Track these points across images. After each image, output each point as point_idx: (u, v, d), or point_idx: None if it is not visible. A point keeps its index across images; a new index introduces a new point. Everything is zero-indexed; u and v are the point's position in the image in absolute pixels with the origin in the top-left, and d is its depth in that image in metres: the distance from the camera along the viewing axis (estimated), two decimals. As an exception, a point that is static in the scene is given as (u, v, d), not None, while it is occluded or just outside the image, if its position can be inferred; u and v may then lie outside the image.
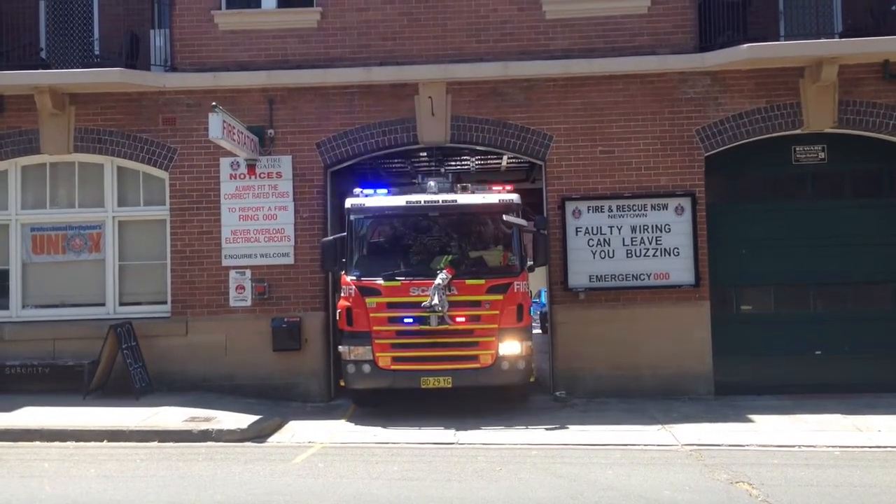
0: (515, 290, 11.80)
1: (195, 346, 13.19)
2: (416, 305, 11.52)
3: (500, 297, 11.70)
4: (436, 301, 11.36)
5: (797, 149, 13.54)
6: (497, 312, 11.68)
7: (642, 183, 13.24)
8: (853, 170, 13.74)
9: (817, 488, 8.24)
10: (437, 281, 11.43)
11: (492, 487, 8.18)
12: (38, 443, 10.44)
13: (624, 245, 13.18)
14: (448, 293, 11.52)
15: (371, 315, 11.76)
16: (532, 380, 12.19)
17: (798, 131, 13.24)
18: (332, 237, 12.59)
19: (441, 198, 12.25)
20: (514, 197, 12.27)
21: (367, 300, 11.78)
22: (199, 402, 12.00)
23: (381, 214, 12.33)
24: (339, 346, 12.06)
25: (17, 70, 13.22)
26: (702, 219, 13.15)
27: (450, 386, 11.58)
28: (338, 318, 12.21)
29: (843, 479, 8.59)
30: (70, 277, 13.76)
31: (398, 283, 11.74)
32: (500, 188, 12.65)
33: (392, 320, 11.73)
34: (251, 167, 13.37)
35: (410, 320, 11.65)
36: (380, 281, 11.80)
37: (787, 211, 13.48)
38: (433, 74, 13.28)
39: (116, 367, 12.74)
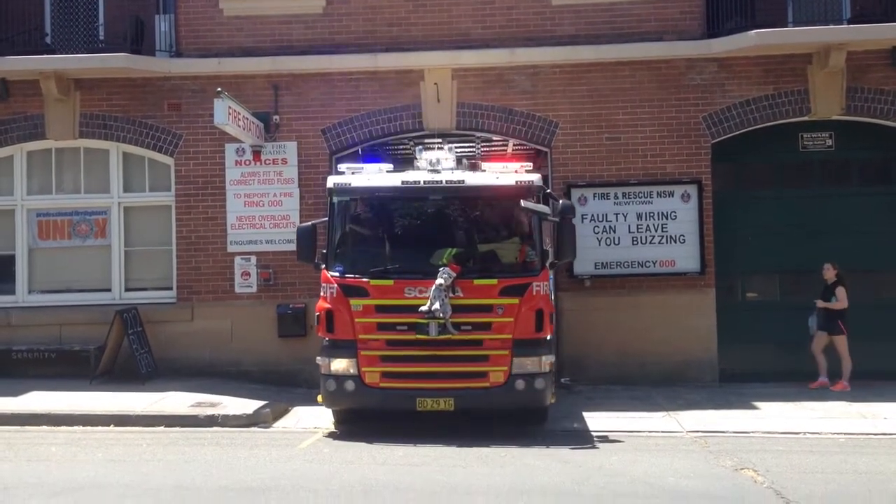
0: (535, 293, 9.79)
1: (201, 331, 13.22)
2: (413, 310, 9.56)
3: (515, 300, 9.70)
4: (436, 305, 9.44)
5: (804, 136, 13.47)
6: (511, 320, 9.68)
7: (648, 170, 13.20)
8: (860, 157, 13.71)
9: (822, 475, 8.24)
10: (439, 280, 9.50)
11: (497, 473, 8.19)
12: (45, 427, 10.49)
13: (630, 232, 13.16)
14: (452, 295, 9.59)
15: (356, 321, 9.75)
16: (552, 401, 10.11)
17: (805, 118, 13.18)
18: (310, 223, 10.79)
19: (445, 178, 10.19)
20: (535, 178, 10.31)
21: (352, 302, 9.77)
22: (205, 388, 12.03)
23: (370, 197, 10.36)
24: (317, 358, 10.02)
25: (23, 55, 13.19)
26: (708, 206, 13.12)
27: (452, 409, 9.60)
28: (315, 322, 10.30)
29: (848, 466, 8.59)
30: (76, 263, 13.78)
31: (390, 282, 9.76)
32: (517, 166, 10.72)
33: (382, 327, 9.76)
34: (256, 153, 13.35)
35: (405, 328, 9.66)
36: (367, 279, 9.81)
37: (793, 198, 13.44)
38: (439, 61, 13.23)
39: (122, 353, 12.77)
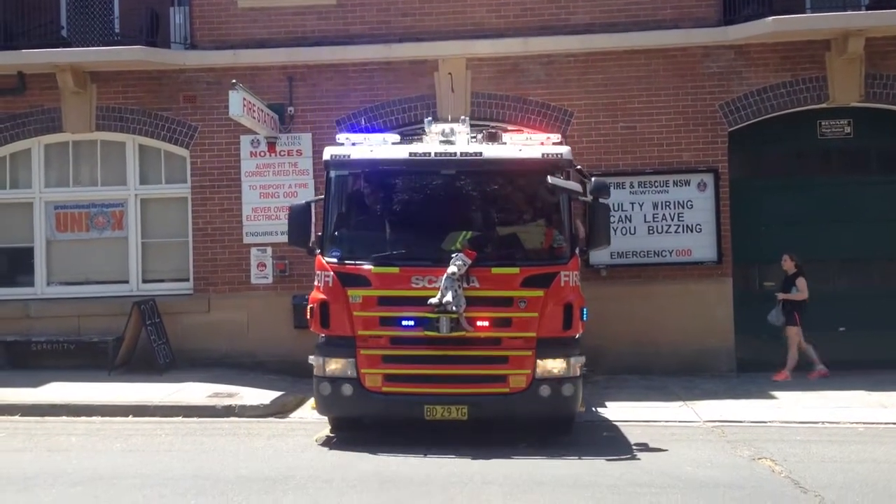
0: (563, 284, 8.62)
1: (217, 322, 13.28)
2: (421, 302, 8.42)
3: (540, 292, 8.53)
4: (449, 297, 8.27)
5: (822, 123, 13.34)
6: (536, 315, 8.53)
7: (664, 159, 13.12)
8: (880, 144, 13.55)
9: (841, 464, 8.19)
10: (452, 268, 8.32)
11: (512, 462, 8.18)
12: (64, 417, 10.58)
13: (645, 221, 13.10)
14: (466, 286, 8.40)
15: (355, 314, 8.60)
16: (581, 410, 9.13)
17: (823, 105, 13.06)
18: (304, 201, 9.70)
19: (460, 149, 8.99)
20: (564, 150, 9.07)
21: (351, 293, 8.61)
22: (222, 378, 12.09)
23: (372, 171, 9.12)
24: (310, 357, 8.94)
25: (39, 49, 13.25)
26: (725, 195, 13.03)
27: (465, 418, 8.48)
28: (308, 316, 9.04)
29: (867, 456, 8.54)
30: (94, 255, 13.87)
31: (395, 270, 8.61)
32: (543, 137, 9.56)
33: (385, 322, 8.64)
34: (271, 145, 13.37)
35: (411, 323, 8.53)
36: (369, 266, 8.65)
37: (811, 186, 13.32)
38: (453, 50, 13.18)
39: (140, 344, 12.86)
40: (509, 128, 10.87)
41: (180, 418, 10.54)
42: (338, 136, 9.67)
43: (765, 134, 13.29)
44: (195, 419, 10.49)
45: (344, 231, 9.13)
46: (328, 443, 9.03)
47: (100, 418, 10.54)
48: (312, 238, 9.28)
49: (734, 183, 13.14)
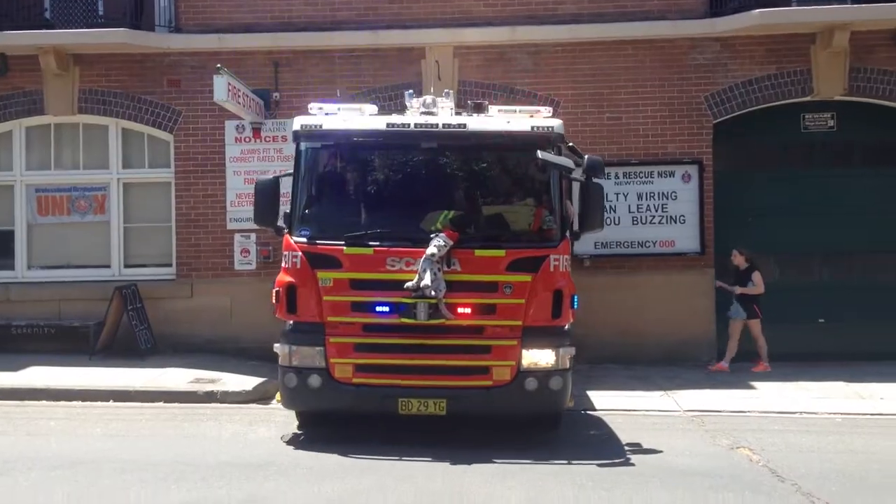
0: (552, 269, 8.04)
1: (200, 308, 13.22)
2: (397, 286, 7.84)
3: (527, 277, 7.96)
4: (427, 280, 7.67)
5: (806, 116, 13.41)
6: (522, 302, 7.96)
7: (649, 150, 13.15)
8: (862, 138, 13.64)
9: (818, 454, 8.29)
10: (431, 249, 7.72)
11: (494, 468, 8.06)
12: (44, 402, 10.52)
13: (630, 212, 13.14)
14: (447, 269, 7.83)
15: (325, 299, 8.00)
16: (570, 405, 8.71)
17: (808, 98, 13.12)
18: (272, 176, 8.94)
19: (442, 120, 8.40)
20: (556, 123, 8.45)
21: (320, 275, 8.00)
22: (204, 364, 12.05)
23: (346, 143, 8.51)
24: (275, 346, 8.35)
25: (22, 30, 13.09)
26: (708, 186, 13.09)
27: (443, 413, 7.93)
28: (273, 300, 8.35)
29: (844, 446, 8.64)
30: (75, 239, 13.75)
31: (369, 251, 7.98)
32: (533, 109, 8.97)
33: (357, 308, 8.03)
34: (256, 130, 13.30)
35: (386, 309, 7.95)
36: (341, 246, 8.03)
37: (794, 179, 13.39)
38: (440, 38, 13.13)
39: (122, 329, 12.78)
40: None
41: (161, 404, 10.51)
42: (310, 106, 8.86)
43: (749, 126, 13.35)
44: (177, 405, 10.46)
45: (314, 209, 8.46)
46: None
47: (80, 403, 10.49)
48: (281, 217, 8.61)
49: (718, 175, 13.20)
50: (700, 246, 12.99)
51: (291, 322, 8.28)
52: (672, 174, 13.10)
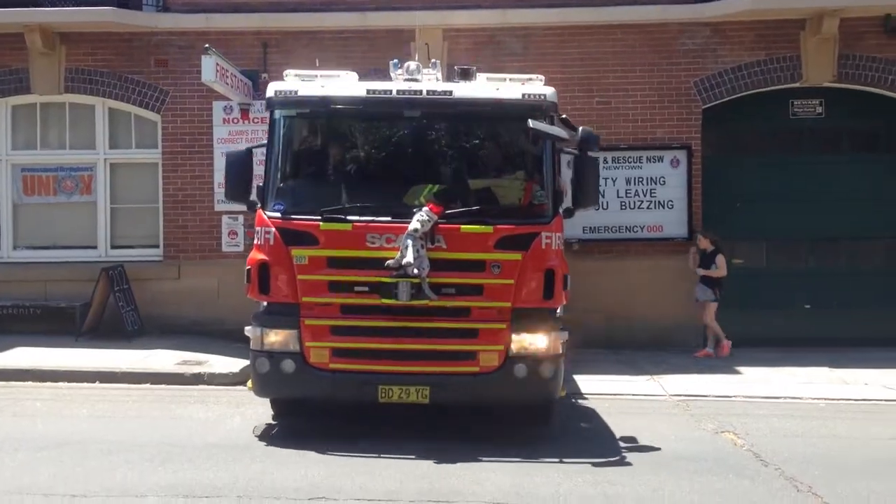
0: (544, 246, 7.56)
1: (187, 290, 13.19)
2: (377, 265, 7.36)
3: (517, 255, 7.48)
4: (409, 258, 7.18)
5: (795, 103, 13.45)
6: (512, 282, 7.48)
7: (638, 135, 13.16)
8: (851, 125, 13.70)
9: (802, 439, 8.35)
10: (414, 224, 7.26)
11: (480, 467, 8.04)
12: (30, 383, 10.49)
13: (618, 197, 13.16)
14: (431, 246, 7.35)
15: (300, 278, 7.50)
16: (562, 395, 8.12)
17: (797, 85, 13.15)
18: (244, 147, 8.54)
19: (426, 87, 7.93)
20: (548, 91, 7.98)
21: (295, 252, 7.51)
22: (191, 346, 12.03)
23: (324, 111, 8.00)
24: (246, 328, 7.84)
25: (7, 7, 12.96)
26: (697, 172, 13.12)
27: (426, 401, 7.47)
28: (245, 280, 7.77)
29: (828, 431, 8.71)
30: (62, 219, 13.69)
31: (347, 227, 7.47)
32: (524, 77, 8.44)
33: (335, 288, 7.54)
34: (244, 111, 13.22)
35: (365, 289, 7.47)
36: (317, 221, 7.53)
37: (782, 165, 13.44)
38: (430, 20, 13.04)
39: (108, 310, 12.75)
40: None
41: (148, 385, 10.50)
42: (285, 73, 8.32)
43: (738, 112, 13.37)
44: (163, 386, 10.45)
45: (289, 182, 7.97)
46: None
47: (66, 384, 10.46)
48: (254, 192, 8.08)
49: (706, 160, 13.23)
50: (688, 231, 13.04)
51: (265, 303, 7.76)
52: (661, 159, 13.12)
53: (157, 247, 13.49)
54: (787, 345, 12.73)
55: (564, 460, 7.31)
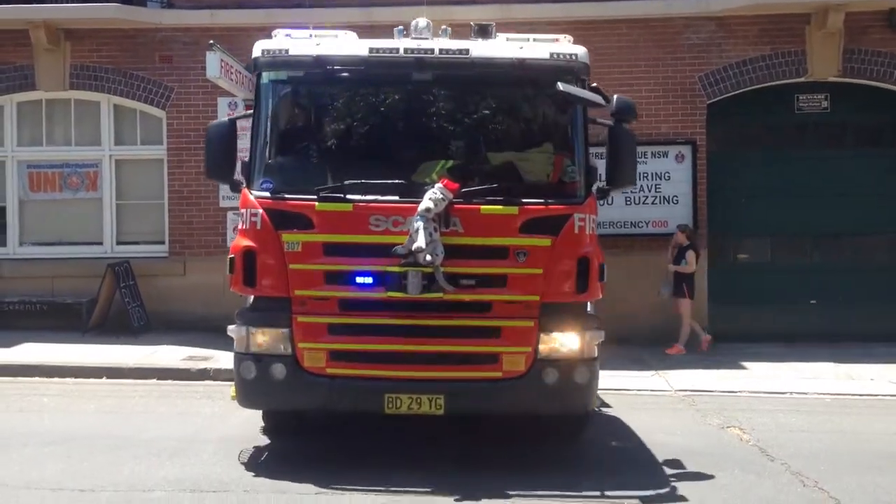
0: (577, 230, 6.55)
1: (193, 286, 13.20)
2: (382, 251, 6.35)
3: (546, 241, 6.46)
4: (421, 242, 6.13)
5: (800, 97, 13.40)
6: (540, 271, 6.46)
7: (643, 130, 13.03)
8: (856, 119, 13.65)
9: (808, 434, 8.35)
10: (427, 203, 6.22)
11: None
12: (37, 378, 10.53)
13: (623, 192, 13.12)
14: (445, 230, 6.30)
15: (292, 268, 6.47)
16: (596, 408, 7.38)
17: (802, 79, 13.11)
18: (227, 118, 7.17)
19: (439, 45, 6.83)
20: (580, 51, 6.89)
21: (286, 238, 6.47)
22: (197, 342, 12.04)
23: (319, 73, 6.86)
24: (229, 328, 6.88)
25: (12, 4, 12.97)
26: (702, 167, 13.10)
27: (441, 412, 6.47)
28: (228, 270, 6.75)
29: (833, 426, 8.72)
30: (67, 216, 13.72)
31: (348, 208, 6.43)
32: (551, 37, 7.19)
33: (333, 279, 6.52)
34: (249, 107, 13.19)
35: (369, 280, 6.45)
36: (312, 201, 6.49)
37: (787, 160, 13.40)
38: (433, 16, 12.83)
39: (115, 306, 12.79)
40: None
41: (155, 381, 10.53)
42: (274, 32, 7.20)
43: (743, 107, 13.34)
44: (170, 382, 10.49)
45: (279, 157, 6.91)
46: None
47: (73, 380, 10.50)
48: (238, 169, 7.03)
49: (711, 155, 13.21)
50: (693, 226, 13.01)
51: (251, 297, 6.77)
52: (665, 154, 13.10)
53: (163, 243, 13.52)
54: (792, 340, 12.71)
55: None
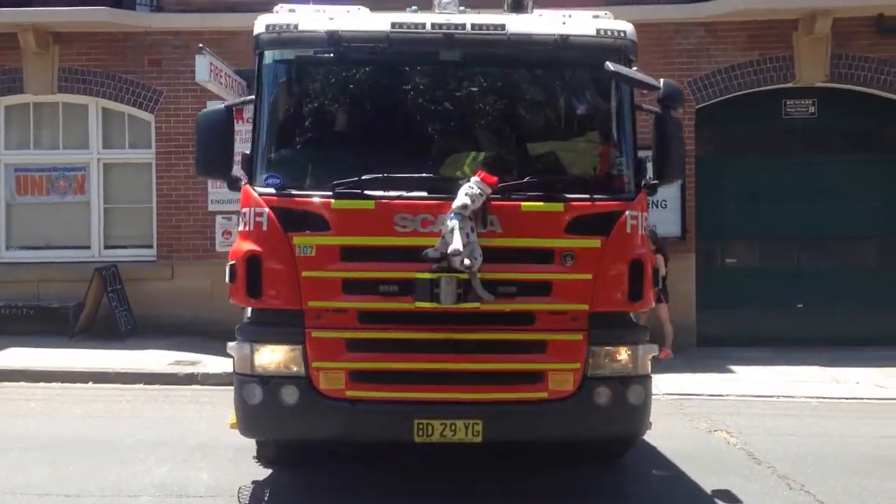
0: (629, 230, 5.76)
1: (181, 290, 13.17)
2: (410, 255, 5.52)
3: (595, 242, 5.68)
4: (458, 244, 5.29)
5: (788, 102, 13.47)
6: (589, 277, 5.66)
7: (632, 134, 13.15)
8: (843, 124, 13.71)
9: (794, 437, 8.38)
10: (463, 199, 5.39)
11: None
12: (23, 383, 10.48)
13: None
14: (483, 231, 5.48)
15: (304, 275, 5.60)
16: (650, 428, 6.34)
17: (790, 85, 13.18)
18: (223, 104, 6.11)
19: (470, 20, 5.85)
20: (628, 28, 6.10)
21: (297, 240, 5.60)
22: (185, 346, 12.02)
23: (333, 52, 5.85)
24: (229, 345, 6.07)
25: (0, 8, 12.95)
26: (690, 171, 13.06)
27: (479, 439, 5.62)
28: (228, 279, 5.80)
29: (820, 429, 8.75)
30: (55, 219, 13.66)
31: (369, 204, 5.57)
32: (593, 12, 6.35)
33: (352, 288, 5.65)
34: (239, 112, 13.18)
35: (394, 289, 5.59)
36: (328, 198, 5.61)
37: (775, 165, 13.47)
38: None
39: (102, 310, 12.75)
40: None
41: (142, 385, 10.49)
42: (277, 7, 6.28)
43: (731, 112, 13.39)
44: (157, 386, 10.45)
45: (287, 148, 6.02)
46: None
47: (59, 384, 10.45)
48: (236, 162, 6.04)
49: (700, 160, 13.23)
50: (681, 231, 13.06)
51: (254, 310, 5.91)
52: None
53: (151, 247, 13.49)
54: (780, 344, 12.75)
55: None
